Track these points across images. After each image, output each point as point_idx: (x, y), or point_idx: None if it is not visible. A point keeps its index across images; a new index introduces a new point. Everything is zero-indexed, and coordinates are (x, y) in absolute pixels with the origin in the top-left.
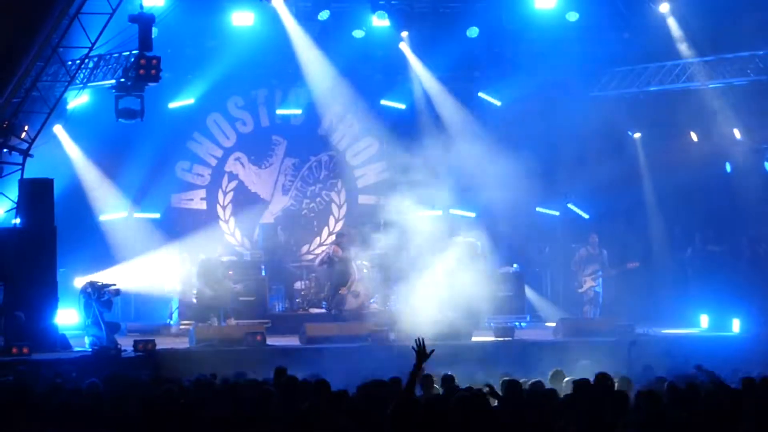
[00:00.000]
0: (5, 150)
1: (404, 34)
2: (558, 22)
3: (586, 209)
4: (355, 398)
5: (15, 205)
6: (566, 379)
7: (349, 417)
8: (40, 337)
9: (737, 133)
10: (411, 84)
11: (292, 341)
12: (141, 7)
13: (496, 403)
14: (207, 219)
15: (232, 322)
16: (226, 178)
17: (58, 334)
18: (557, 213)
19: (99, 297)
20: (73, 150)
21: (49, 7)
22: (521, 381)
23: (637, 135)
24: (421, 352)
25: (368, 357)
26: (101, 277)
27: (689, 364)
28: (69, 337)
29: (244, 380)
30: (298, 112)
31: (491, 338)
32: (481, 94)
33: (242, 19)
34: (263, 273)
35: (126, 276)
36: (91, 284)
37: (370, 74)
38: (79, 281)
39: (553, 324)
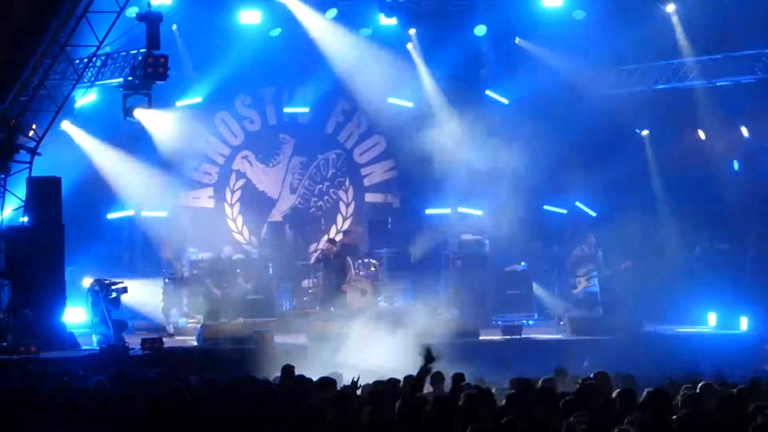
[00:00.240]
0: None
1: (411, 31)
2: (565, 21)
3: (594, 207)
4: (362, 396)
5: (23, 204)
6: (568, 378)
7: (357, 415)
8: (48, 336)
9: (745, 131)
10: (418, 82)
11: (300, 339)
12: (148, 5)
13: (503, 402)
14: (214, 217)
15: (240, 320)
16: (233, 177)
17: (66, 332)
18: (565, 211)
19: (107, 295)
20: (87, 142)
21: (57, 6)
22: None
23: (645, 133)
24: (428, 356)
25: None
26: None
27: (697, 362)
28: (77, 335)
29: (250, 379)
30: (306, 110)
31: (499, 336)
32: (488, 92)
33: (249, 18)
34: (271, 271)
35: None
36: (99, 282)
37: (378, 72)
38: (87, 281)
39: (561, 322)
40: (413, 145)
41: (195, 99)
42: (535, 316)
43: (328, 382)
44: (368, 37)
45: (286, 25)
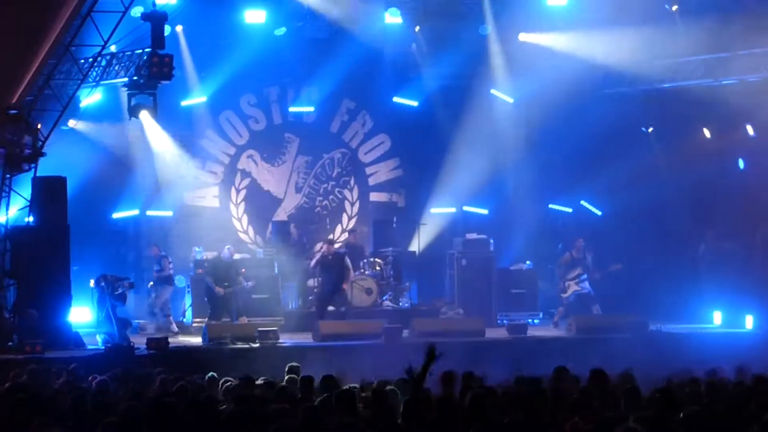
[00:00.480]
0: (17, 149)
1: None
2: (570, 19)
3: (599, 206)
4: (367, 396)
5: (28, 203)
6: (571, 376)
7: (361, 415)
8: (53, 335)
9: (750, 130)
10: (423, 81)
11: (306, 339)
12: (153, 5)
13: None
14: (220, 216)
15: (245, 320)
16: (238, 176)
17: (72, 331)
18: (570, 210)
19: (113, 290)
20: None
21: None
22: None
23: (650, 130)
24: (431, 354)
25: (381, 355)
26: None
27: (702, 360)
28: (82, 335)
29: (256, 378)
30: (311, 109)
31: (504, 335)
32: (493, 91)
33: (254, 17)
34: (276, 271)
35: None
36: (104, 277)
37: (383, 71)
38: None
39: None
40: (418, 144)
41: (200, 98)
42: (540, 315)
43: (333, 381)
44: (374, 35)
45: (291, 25)
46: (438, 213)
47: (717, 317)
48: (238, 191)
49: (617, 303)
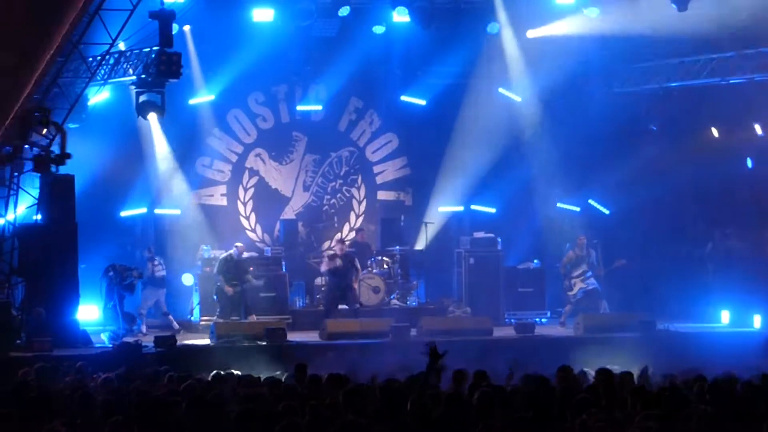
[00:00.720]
0: (26, 146)
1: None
2: (578, 18)
3: (607, 205)
4: (375, 394)
5: (36, 201)
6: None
7: (369, 413)
8: (61, 333)
9: (758, 129)
10: (431, 80)
11: (313, 337)
12: (161, 3)
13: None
14: (228, 215)
15: (253, 318)
16: (246, 174)
17: (79, 329)
18: (578, 209)
19: (121, 280)
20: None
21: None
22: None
23: (657, 129)
24: (434, 353)
25: (389, 353)
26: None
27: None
28: (90, 332)
29: (264, 376)
30: (319, 108)
31: (512, 334)
32: (500, 90)
33: (262, 15)
34: (284, 269)
35: None
36: (113, 267)
37: (391, 70)
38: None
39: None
40: (426, 143)
41: (208, 97)
42: (548, 314)
43: (341, 379)
44: (381, 34)
45: (299, 23)
46: (445, 211)
47: (725, 316)
48: (245, 190)
49: (625, 302)
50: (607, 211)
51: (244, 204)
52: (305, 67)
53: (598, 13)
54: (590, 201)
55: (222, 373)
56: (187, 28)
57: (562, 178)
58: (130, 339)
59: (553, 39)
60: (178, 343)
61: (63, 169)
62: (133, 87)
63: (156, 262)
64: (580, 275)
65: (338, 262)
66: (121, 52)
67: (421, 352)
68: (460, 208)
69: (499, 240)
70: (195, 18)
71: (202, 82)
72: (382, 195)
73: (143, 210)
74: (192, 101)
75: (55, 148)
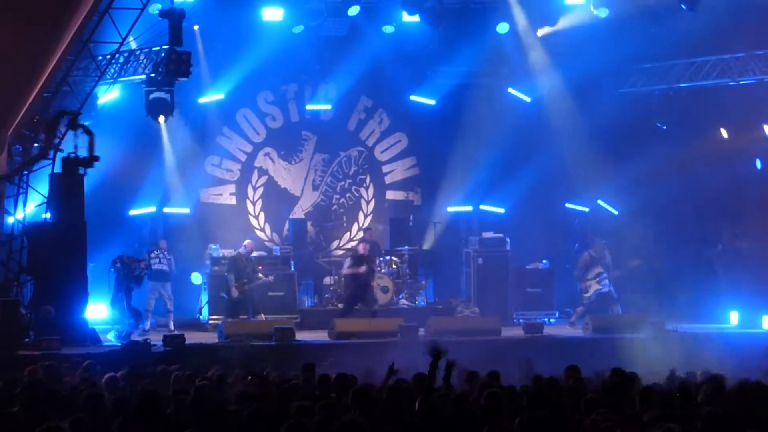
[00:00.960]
0: (36, 144)
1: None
2: (588, 18)
3: (616, 206)
4: (383, 394)
5: (45, 200)
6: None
7: (378, 412)
8: (69, 332)
9: (767, 130)
10: (440, 80)
11: (322, 337)
12: (171, 2)
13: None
14: (236, 214)
15: (262, 317)
16: (255, 174)
17: (88, 328)
18: (587, 209)
19: (130, 271)
20: None
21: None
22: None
23: (666, 129)
24: (434, 352)
25: (398, 353)
26: None
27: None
28: (99, 331)
29: (272, 375)
30: (328, 107)
31: (520, 334)
32: (510, 90)
33: (272, 15)
34: (292, 268)
35: None
36: (121, 258)
37: (400, 70)
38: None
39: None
40: (435, 143)
41: (217, 96)
42: (557, 314)
43: (349, 379)
44: (391, 34)
45: (309, 22)
46: (454, 211)
47: (734, 317)
48: (255, 189)
49: (634, 302)
50: (616, 212)
51: (253, 203)
52: (315, 66)
53: (608, 13)
54: (599, 201)
55: (230, 372)
56: (196, 27)
57: (571, 178)
58: (138, 338)
59: (563, 38)
60: (187, 342)
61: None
62: (142, 86)
63: (153, 255)
64: (595, 277)
65: (362, 268)
66: (131, 51)
67: (424, 353)
68: (469, 208)
69: (508, 240)
70: (205, 17)
71: (212, 81)
72: (391, 195)
73: (152, 209)
74: (201, 100)
75: (65, 145)
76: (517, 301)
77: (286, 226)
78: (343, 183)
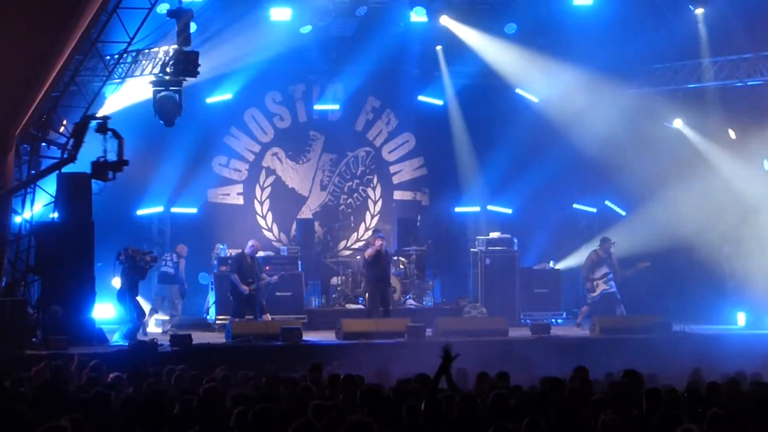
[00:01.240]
0: (44, 144)
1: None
2: (596, 19)
3: (624, 206)
4: (390, 394)
5: (53, 200)
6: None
7: (384, 413)
8: (76, 331)
9: None
10: (448, 80)
11: (329, 337)
12: (179, 2)
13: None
14: (244, 214)
15: (269, 317)
16: (263, 173)
17: (95, 328)
18: (594, 210)
19: (135, 264)
20: None
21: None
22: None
23: (676, 124)
24: (447, 355)
25: (405, 353)
26: None
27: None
28: (106, 331)
29: (280, 376)
30: (336, 107)
31: (527, 335)
32: (518, 91)
33: (280, 15)
34: (300, 268)
35: None
36: (126, 251)
37: (408, 70)
38: (117, 281)
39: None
40: (442, 143)
41: (225, 96)
42: (564, 314)
43: (356, 380)
44: (399, 34)
45: (317, 22)
46: (462, 212)
47: (741, 318)
48: (262, 189)
49: (641, 303)
50: (623, 213)
51: (261, 203)
52: (323, 66)
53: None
54: (607, 202)
55: (237, 372)
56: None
57: (578, 179)
58: (144, 337)
59: (570, 39)
60: (194, 342)
61: (80, 168)
62: (150, 85)
63: (165, 256)
64: (602, 277)
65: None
66: (138, 51)
67: (438, 355)
68: (477, 209)
69: (516, 240)
70: (212, 17)
71: (220, 81)
72: (398, 195)
73: (160, 209)
74: (209, 100)
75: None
76: (524, 301)
77: (294, 226)
78: (350, 183)
